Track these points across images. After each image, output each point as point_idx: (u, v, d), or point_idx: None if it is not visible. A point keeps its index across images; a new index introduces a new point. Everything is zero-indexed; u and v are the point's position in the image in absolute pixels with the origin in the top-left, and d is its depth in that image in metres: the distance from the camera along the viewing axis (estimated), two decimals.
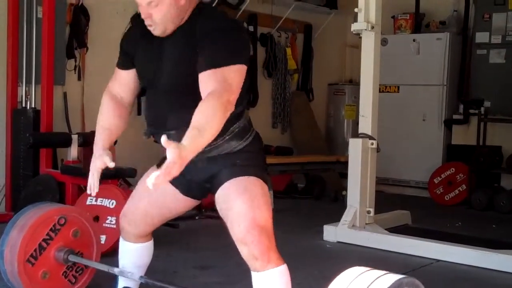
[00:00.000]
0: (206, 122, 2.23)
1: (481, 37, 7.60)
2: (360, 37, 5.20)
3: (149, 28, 2.61)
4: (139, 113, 6.40)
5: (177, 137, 2.18)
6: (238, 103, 2.45)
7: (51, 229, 3.17)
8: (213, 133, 2.26)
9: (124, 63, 2.84)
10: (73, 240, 3.26)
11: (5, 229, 3.17)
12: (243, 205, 2.52)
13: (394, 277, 2.07)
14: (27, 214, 3.20)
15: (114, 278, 3.21)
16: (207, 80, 2.38)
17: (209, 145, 2.39)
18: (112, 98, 2.85)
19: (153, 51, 2.66)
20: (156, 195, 2.81)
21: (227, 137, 2.63)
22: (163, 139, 2.02)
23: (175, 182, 2.66)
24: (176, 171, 2.08)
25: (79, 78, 6.03)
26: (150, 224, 3.02)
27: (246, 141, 2.70)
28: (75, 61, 5.97)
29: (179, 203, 2.91)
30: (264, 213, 2.54)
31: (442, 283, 4.08)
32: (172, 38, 2.60)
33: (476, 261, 4.46)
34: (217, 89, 2.32)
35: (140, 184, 2.95)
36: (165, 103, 2.66)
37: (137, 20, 2.72)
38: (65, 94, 5.89)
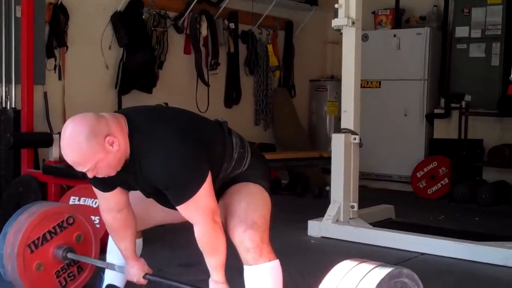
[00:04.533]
0: (214, 255, 2.59)
1: (461, 31, 7.66)
2: (341, 33, 5.21)
3: None
4: None
5: None
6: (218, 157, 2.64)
7: (58, 224, 3.21)
8: (223, 249, 2.59)
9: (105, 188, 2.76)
10: (75, 243, 3.28)
11: (13, 215, 3.20)
12: (241, 200, 2.67)
13: (391, 267, 2.14)
14: (39, 204, 3.26)
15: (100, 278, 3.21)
16: (185, 211, 2.54)
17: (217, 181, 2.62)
18: (114, 219, 2.81)
19: (116, 178, 2.61)
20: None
21: (229, 171, 2.74)
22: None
23: None
24: None
25: (59, 78, 5.98)
26: (147, 224, 3.03)
27: (245, 166, 2.77)
28: (55, 60, 5.91)
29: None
30: (258, 209, 2.67)
31: (426, 276, 4.07)
32: (125, 173, 2.55)
33: (460, 253, 4.49)
34: (199, 219, 2.52)
35: None
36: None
37: None
38: (45, 94, 5.83)
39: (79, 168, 2.44)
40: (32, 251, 3.12)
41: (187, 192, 2.46)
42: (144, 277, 2.91)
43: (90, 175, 2.49)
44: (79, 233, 3.31)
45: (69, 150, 2.41)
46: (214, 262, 2.61)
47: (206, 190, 2.50)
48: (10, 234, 3.11)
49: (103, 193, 2.73)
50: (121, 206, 2.77)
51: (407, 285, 2.18)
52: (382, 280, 2.07)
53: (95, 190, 2.75)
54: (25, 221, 3.11)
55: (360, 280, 2.09)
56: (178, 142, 2.48)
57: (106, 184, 2.67)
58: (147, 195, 2.75)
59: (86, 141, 2.37)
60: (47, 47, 5.84)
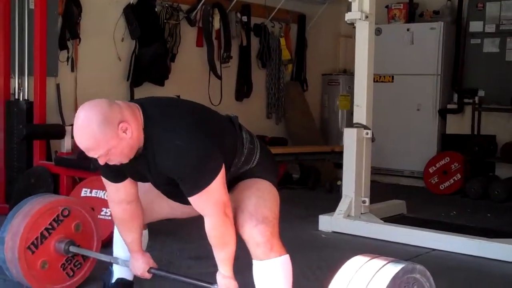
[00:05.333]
0: (223, 249, 2.58)
1: (475, 26, 7.61)
2: (354, 27, 5.19)
3: None
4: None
5: None
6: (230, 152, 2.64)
7: (54, 219, 3.19)
8: (233, 243, 2.57)
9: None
10: (74, 233, 3.28)
11: (7, 217, 3.18)
12: (251, 196, 2.66)
13: (405, 262, 2.15)
14: (30, 203, 3.22)
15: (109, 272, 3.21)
16: (197, 203, 2.52)
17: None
18: (123, 211, 2.81)
19: (128, 167, 2.61)
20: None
21: (239, 166, 2.73)
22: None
23: None
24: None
25: (72, 69, 5.99)
26: (153, 218, 3.03)
27: (255, 162, 2.77)
28: (68, 52, 5.93)
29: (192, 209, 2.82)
30: (268, 204, 2.66)
31: (437, 272, 4.06)
32: (138, 162, 2.55)
33: (472, 250, 4.47)
34: (210, 212, 2.52)
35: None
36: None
37: None
38: (58, 86, 5.85)
39: (91, 154, 2.42)
40: (33, 252, 3.11)
41: (200, 182, 2.45)
42: (148, 271, 2.90)
43: (101, 161, 2.46)
44: (77, 222, 3.29)
45: (82, 135, 2.39)
46: (223, 256, 2.61)
47: (219, 183, 2.49)
48: (7, 239, 3.09)
49: (114, 184, 2.72)
50: (131, 198, 2.77)
51: (419, 281, 2.18)
52: (396, 274, 2.08)
53: (105, 181, 2.74)
54: (20, 224, 3.09)
55: (374, 273, 2.10)
56: (193, 132, 2.47)
57: (117, 174, 2.67)
58: (157, 186, 2.74)
59: (99, 127, 2.35)
60: (60, 39, 5.85)
